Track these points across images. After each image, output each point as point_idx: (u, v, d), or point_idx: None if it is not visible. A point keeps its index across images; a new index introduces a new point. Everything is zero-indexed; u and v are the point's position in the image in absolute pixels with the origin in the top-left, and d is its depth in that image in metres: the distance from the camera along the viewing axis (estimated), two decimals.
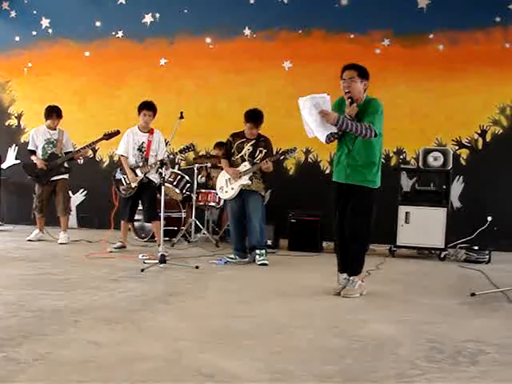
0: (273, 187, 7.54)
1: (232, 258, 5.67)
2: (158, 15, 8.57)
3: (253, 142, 5.74)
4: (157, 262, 5.04)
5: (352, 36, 7.85)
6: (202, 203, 7.13)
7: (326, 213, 6.67)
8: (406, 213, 6.48)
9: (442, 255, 6.46)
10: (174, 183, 7.07)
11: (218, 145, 7.41)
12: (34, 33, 8.97)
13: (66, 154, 6.86)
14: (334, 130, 4.05)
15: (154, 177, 6.14)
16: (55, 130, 6.87)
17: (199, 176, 7.34)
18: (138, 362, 2.47)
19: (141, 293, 3.97)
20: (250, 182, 5.65)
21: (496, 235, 7.19)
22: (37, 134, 6.84)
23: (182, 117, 5.55)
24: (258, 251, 5.63)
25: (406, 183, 7.33)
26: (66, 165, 6.87)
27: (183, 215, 7.18)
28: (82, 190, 8.72)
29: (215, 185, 6.17)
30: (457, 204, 7.50)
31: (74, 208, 8.35)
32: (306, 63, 7.88)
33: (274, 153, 5.87)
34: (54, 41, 8.87)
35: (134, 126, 6.22)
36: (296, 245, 6.79)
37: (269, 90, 7.94)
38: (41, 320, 3.13)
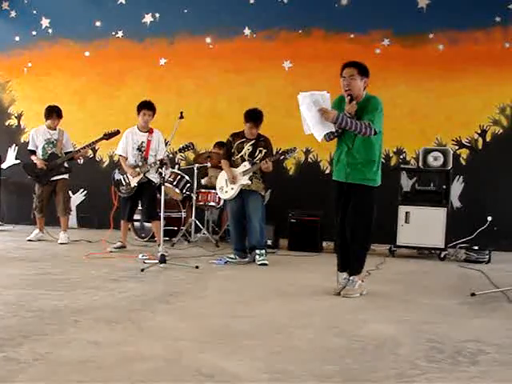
0: (273, 187, 7.54)
1: (232, 258, 5.67)
2: (157, 15, 8.57)
3: (253, 141, 5.74)
4: (157, 261, 5.04)
5: (352, 36, 7.85)
6: (201, 203, 7.13)
7: (326, 213, 6.69)
8: (406, 213, 6.48)
9: (442, 255, 6.46)
10: (174, 183, 7.07)
11: (218, 144, 7.41)
12: (34, 33, 8.97)
13: (66, 154, 6.87)
14: (333, 128, 4.04)
15: (153, 176, 6.14)
16: (55, 130, 6.87)
17: (203, 179, 7.37)
18: (138, 362, 2.47)
19: (141, 293, 3.97)
20: (250, 182, 5.65)
21: (496, 235, 7.19)
22: (37, 134, 6.84)
23: (181, 117, 5.55)
24: (257, 251, 5.63)
25: (406, 183, 7.33)
26: (66, 165, 6.87)
27: (183, 215, 7.18)
28: (81, 190, 8.73)
29: (214, 184, 6.17)
30: (457, 204, 7.50)
31: (74, 208, 8.35)
32: (305, 63, 7.88)
33: (274, 153, 5.87)
34: (54, 41, 8.87)
35: (134, 126, 6.22)
36: (296, 245, 6.79)
37: (269, 90, 7.94)
38: (41, 320, 3.13)
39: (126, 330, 3.02)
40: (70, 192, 7.25)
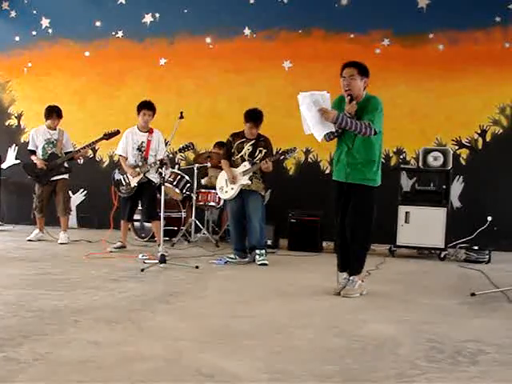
0: (273, 187, 7.54)
1: (232, 258, 5.67)
2: (157, 15, 8.57)
3: (252, 141, 5.74)
4: (157, 261, 5.05)
5: (352, 36, 7.85)
6: (201, 203, 7.13)
7: (326, 213, 6.69)
8: (406, 213, 6.48)
9: (442, 255, 6.46)
10: (174, 183, 7.07)
11: (218, 144, 7.41)
12: (34, 33, 8.97)
13: (66, 154, 6.87)
14: (333, 128, 4.04)
15: (153, 176, 6.14)
16: (55, 130, 6.87)
17: (202, 180, 7.36)
18: (138, 362, 2.48)
19: (141, 293, 3.98)
20: (250, 182, 5.65)
21: (496, 235, 7.19)
22: (37, 134, 6.84)
23: (181, 117, 5.55)
24: (257, 251, 5.63)
25: (406, 183, 7.33)
26: (66, 165, 6.88)
27: (183, 215, 7.18)
28: (81, 189, 8.73)
29: (214, 184, 6.17)
30: (457, 204, 7.51)
31: (74, 208, 8.35)
32: (305, 63, 7.88)
33: (274, 153, 5.87)
34: (54, 41, 8.87)
35: (134, 126, 6.22)
36: (296, 245, 6.79)
37: (269, 90, 7.94)
38: (41, 320, 3.13)
39: (126, 330, 3.02)
40: (70, 192, 7.25)
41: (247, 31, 8.24)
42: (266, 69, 8.07)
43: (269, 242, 6.56)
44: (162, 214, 5.31)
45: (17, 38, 9.04)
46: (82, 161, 8.20)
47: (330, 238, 6.80)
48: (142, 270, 4.80)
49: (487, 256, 6.29)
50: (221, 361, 2.53)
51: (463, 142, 7.59)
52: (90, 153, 8.31)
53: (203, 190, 7.17)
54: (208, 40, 8.38)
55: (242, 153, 5.73)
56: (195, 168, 7.13)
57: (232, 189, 5.71)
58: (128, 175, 6.11)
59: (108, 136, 6.59)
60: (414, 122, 7.62)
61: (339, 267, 4.29)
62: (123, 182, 6.16)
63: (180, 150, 5.91)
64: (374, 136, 4.02)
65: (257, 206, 5.64)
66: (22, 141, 8.87)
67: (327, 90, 4.04)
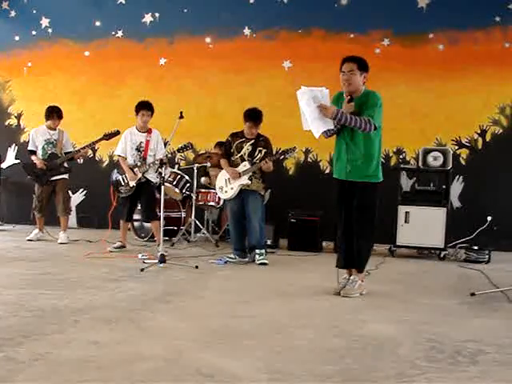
0: (273, 187, 7.53)
1: (232, 258, 5.67)
2: (157, 15, 8.57)
3: (252, 141, 5.74)
4: (156, 261, 5.05)
5: (352, 36, 7.85)
6: (201, 203, 7.13)
7: (326, 213, 6.70)
8: (406, 213, 6.48)
9: (442, 255, 6.46)
10: (174, 183, 7.07)
11: (219, 144, 7.41)
12: (34, 32, 8.96)
13: (66, 154, 6.87)
14: (331, 124, 4.03)
15: (152, 176, 6.14)
16: (55, 130, 6.87)
17: (202, 178, 7.36)
18: (138, 361, 2.48)
19: (141, 293, 3.98)
20: (250, 182, 5.65)
21: (496, 235, 7.18)
22: (37, 134, 6.84)
23: (181, 117, 5.55)
24: (257, 251, 5.63)
25: (406, 183, 7.33)
26: (65, 165, 6.87)
27: (183, 215, 7.18)
28: (81, 189, 8.72)
29: (213, 184, 6.17)
30: (457, 204, 7.50)
31: (73, 208, 8.35)
32: (305, 63, 7.88)
33: (274, 152, 5.87)
34: (54, 40, 8.86)
35: (132, 127, 6.22)
36: (296, 245, 6.79)
37: (269, 89, 7.94)
38: (41, 320, 3.13)
39: (126, 329, 3.02)
40: (69, 192, 7.25)
41: (247, 31, 8.24)
42: (266, 69, 8.06)
43: (269, 242, 6.56)
44: (161, 214, 5.31)
45: (17, 38, 9.04)
46: (81, 160, 8.20)
47: (329, 237, 6.81)
48: (142, 270, 4.80)
49: (487, 256, 6.29)
50: (221, 361, 2.53)
51: (463, 141, 7.59)
52: (89, 153, 8.31)
53: (203, 190, 7.17)
54: (208, 40, 8.38)
55: (242, 153, 5.73)
56: (195, 168, 7.13)
57: (232, 189, 5.71)
58: (127, 176, 6.11)
59: (108, 136, 6.59)
60: (413, 121, 7.62)
61: (341, 264, 4.27)
62: (122, 181, 6.16)
63: (179, 150, 5.92)
64: (373, 131, 4.01)
65: (256, 205, 5.64)
66: (22, 141, 8.87)
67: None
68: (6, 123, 9.11)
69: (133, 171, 6.06)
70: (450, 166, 6.64)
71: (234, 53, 8.17)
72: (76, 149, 7.09)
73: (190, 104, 7.87)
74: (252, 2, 8.21)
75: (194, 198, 7.05)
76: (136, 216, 6.79)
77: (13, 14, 9.10)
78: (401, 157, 7.74)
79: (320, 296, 4.12)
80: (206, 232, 7.19)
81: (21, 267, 4.88)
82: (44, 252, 5.91)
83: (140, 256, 5.62)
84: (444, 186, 6.70)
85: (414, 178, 7.46)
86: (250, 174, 5.65)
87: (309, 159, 8.02)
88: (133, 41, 8.61)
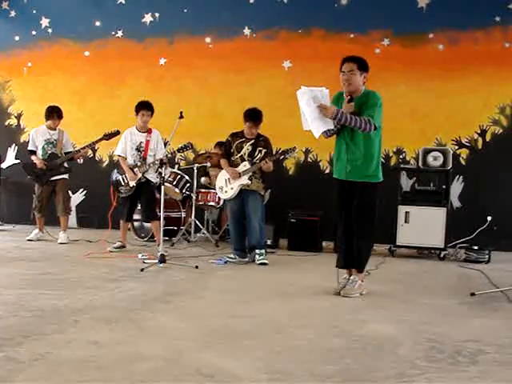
0: (273, 187, 7.53)
1: (232, 258, 5.67)
2: (157, 15, 8.57)
3: (252, 141, 5.74)
4: (156, 261, 5.05)
5: (352, 36, 7.85)
6: (201, 203, 7.13)
7: (326, 213, 6.69)
8: (406, 212, 6.48)
9: (442, 255, 6.46)
10: (174, 183, 7.07)
11: (219, 144, 7.41)
12: (34, 32, 8.96)
13: (66, 154, 6.87)
14: (332, 124, 4.02)
15: (152, 176, 6.14)
16: (55, 130, 6.87)
17: (202, 178, 7.35)
18: (138, 361, 2.47)
19: (141, 292, 3.98)
20: (250, 182, 5.65)
21: (496, 235, 7.18)
22: (37, 134, 6.84)
23: (181, 116, 5.55)
24: (257, 251, 5.63)
25: (406, 183, 7.33)
26: (65, 165, 6.87)
27: (183, 215, 7.19)
28: (81, 189, 8.72)
29: (214, 183, 6.17)
30: (456, 204, 7.50)
31: (73, 208, 8.35)
32: (305, 63, 7.87)
33: (274, 152, 5.87)
34: (54, 40, 8.86)
35: (132, 127, 6.22)
36: (296, 244, 6.78)
37: (269, 89, 7.94)
38: (41, 320, 3.13)
39: (126, 329, 3.02)
40: (69, 192, 7.25)
41: (247, 31, 8.24)
42: (266, 69, 8.06)
43: (268, 242, 6.56)
44: (161, 214, 5.31)
45: (16, 38, 9.04)
46: (81, 160, 8.20)
47: (329, 237, 6.81)
48: (142, 270, 4.80)
49: (487, 256, 6.29)
50: (221, 361, 2.53)
51: (463, 141, 7.59)
52: (89, 153, 8.31)
53: (203, 190, 7.17)
54: (208, 40, 8.38)
55: (242, 152, 5.73)
56: (195, 168, 7.13)
57: (232, 189, 5.71)
58: (127, 175, 6.11)
59: (108, 136, 6.59)
60: (413, 121, 7.62)
61: (341, 264, 4.27)
62: (122, 181, 6.16)
63: (179, 150, 5.93)
64: (373, 131, 4.01)
65: (256, 205, 5.64)
66: (22, 141, 8.87)
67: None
68: (6, 123, 9.11)
69: (133, 171, 6.06)
70: (450, 165, 6.64)
71: (234, 53, 8.17)
72: (76, 149, 7.09)
73: (189, 104, 7.87)
74: (252, 2, 8.21)
75: (194, 198, 7.05)
76: (136, 216, 6.79)
77: (13, 14, 9.10)
78: (401, 157, 7.74)
79: (320, 296, 4.12)
80: (205, 232, 7.19)
81: (21, 267, 4.88)
82: (44, 252, 5.91)
83: (140, 256, 5.62)
84: (444, 186, 6.70)
85: (414, 178, 7.46)
86: (250, 173, 5.65)
87: (309, 159, 8.02)
88: (133, 41, 8.61)
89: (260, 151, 5.72)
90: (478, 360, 2.69)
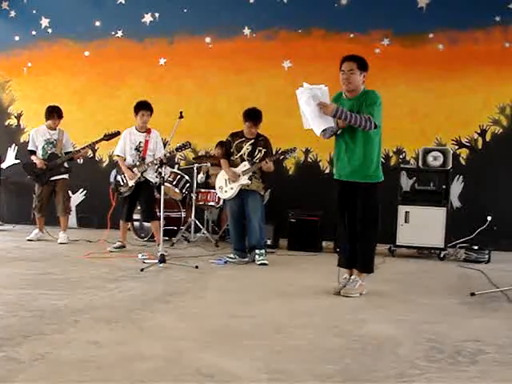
0: (273, 187, 7.54)
1: (232, 258, 5.67)
2: (157, 15, 8.57)
3: (252, 141, 5.74)
4: (156, 261, 5.04)
5: (352, 36, 7.85)
6: (201, 203, 7.13)
7: (326, 213, 6.69)
8: (406, 212, 6.48)
9: (442, 255, 6.46)
10: (174, 183, 7.07)
11: (220, 144, 7.40)
12: (34, 32, 8.97)
13: (66, 154, 6.87)
14: (332, 122, 4.02)
15: (151, 177, 6.14)
16: (55, 130, 6.87)
17: (199, 175, 7.33)
18: (138, 361, 2.47)
19: (141, 292, 3.97)
20: (250, 182, 5.65)
21: (496, 235, 7.19)
22: (37, 135, 6.84)
23: (181, 116, 5.55)
24: (257, 251, 5.62)
25: (406, 183, 7.33)
26: (65, 165, 6.87)
27: (183, 215, 7.19)
28: (81, 189, 8.72)
29: (214, 183, 6.17)
30: (456, 204, 7.51)
31: (73, 208, 8.35)
32: (305, 63, 7.87)
33: (274, 152, 5.87)
34: (54, 40, 8.87)
35: (132, 127, 6.22)
36: (296, 244, 6.78)
37: (269, 89, 7.94)
38: (41, 320, 3.13)
39: (126, 329, 3.02)
40: (69, 192, 7.25)
41: (247, 31, 8.24)
42: (266, 69, 8.07)
43: (268, 242, 6.55)
44: (161, 214, 5.31)
45: (16, 38, 9.04)
46: (81, 160, 8.21)
47: (329, 237, 6.81)
48: (142, 270, 4.80)
49: (487, 256, 6.29)
50: (221, 361, 2.53)
51: (463, 141, 7.59)
52: (89, 153, 8.32)
53: (203, 190, 7.17)
54: (208, 40, 8.38)
55: (242, 152, 5.73)
56: (195, 168, 7.13)
57: (231, 188, 5.71)
58: (126, 175, 6.11)
59: (108, 137, 6.59)
60: (413, 121, 7.62)
61: (344, 264, 4.27)
62: (122, 181, 6.17)
63: (177, 149, 5.93)
64: (373, 131, 4.00)
65: (256, 205, 5.64)
66: (22, 141, 8.87)
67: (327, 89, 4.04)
68: (6, 123, 9.11)
69: (131, 171, 6.06)
70: (450, 165, 6.64)
71: (234, 53, 8.18)
72: (76, 149, 7.09)
73: (189, 104, 7.87)
74: (252, 2, 8.21)
75: (194, 197, 7.05)
76: (136, 216, 6.79)
77: (13, 14, 9.10)
78: (401, 157, 7.74)
79: (320, 296, 4.12)
80: (205, 232, 7.19)
81: (21, 267, 4.88)
82: (44, 252, 5.91)
83: (140, 256, 5.62)
84: (444, 186, 6.70)
85: (414, 178, 7.47)
86: (250, 173, 5.65)
87: (309, 159, 8.02)
88: (133, 41, 8.61)
89: (260, 151, 5.72)
90: (477, 360, 2.69)
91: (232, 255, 5.70)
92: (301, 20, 8.00)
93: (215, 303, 3.81)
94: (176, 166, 8.07)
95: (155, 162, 5.92)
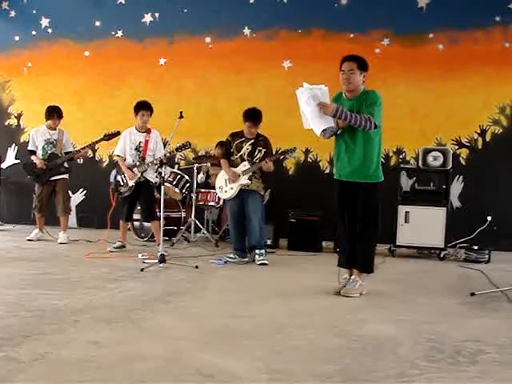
0: (273, 187, 7.54)
1: (232, 258, 5.67)
2: (157, 15, 8.57)
3: (252, 141, 5.74)
4: (156, 261, 5.04)
5: (352, 36, 7.85)
6: (201, 203, 7.13)
7: (326, 213, 6.69)
8: (406, 212, 6.48)
9: (442, 255, 6.46)
10: (174, 183, 7.07)
11: (220, 144, 7.40)
12: (34, 32, 8.97)
13: (66, 154, 6.87)
14: (332, 122, 4.02)
15: (151, 177, 6.14)
16: (55, 130, 6.87)
17: (199, 175, 7.33)
18: (138, 361, 2.47)
19: (140, 292, 3.97)
20: (250, 182, 5.65)
21: (496, 235, 7.19)
22: (37, 134, 6.84)
23: (181, 116, 5.55)
24: (257, 251, 5.62)
25: (406, 183, 7.33)
26: (65, 165, 6.88)
27: (183, 215, 7.19)
28: (81, 189, 8.72)
29: (214, 183, 6.17)
30: (456, 204, 7.51)
31: (73, 208, 8.35)
32: (305, 63, 7.87)
33: (274, 152, 5.87)
34: (54, 40, 8.87)
35: (132, 127, 6.22)
36: (296, 244, 6.79)
37: (269, 89, 7.94)
38: (41, 320, 3.13)
39: (126, 329, 3.02)
40: (69, 192, 7.25)
41: (247, 31, 8.24)
42: (266, 69, 8.07)
43: (268, 242, 6.56)
44: (161, 214, 5.31)
45: (16, 38, 9.04)
46: (81, 160, 8.21)
47: (329, 237, 6.81)
48: (142, 270, 4.80)
49: (487, 256, 6.29)
50: (221, 361, 2.53)
51: (463, 141, 7.60)
52: (89, 153, 8.32)
53: (203, 190, 7.17)
54: (208, 40, 8.38)
55: (242, 152, 5.73)
56: (195, 168, 7.13)
57: (231, 188, 5.71)
58: (126, 175, 6.12)
59: (108, 137, 6.59)
60: (413, 121, 7.62)
61: (345, 264, 4.27)
62: (121, 182, 6.17)
63: (177, 149, 5.93)
64: (373, 131, 4.00)
65: (256, 205, 5.64)
66: (22, 141, 8.87)
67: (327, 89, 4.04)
68: (6, 123, 9.11)
69: (131, 170, 6.07)
70: (450, 165, 6.64)
71: (234, 53, 8.18)
72: (76, 149, 7.09)
73: (189, 104, 7.87)
74: (252, 2, 8.21)
75: (194, 197, 7.06)
76: (136, 216, 6.79)
77: (13, 14, 9.10)
78: (401, 157, 7.74)
79: (320, 296, 4.12)
80: (205, 232, 7.19)
81: (21, 267, 4.88)
82: (44, 252, 5.91)
83: (140, 256, 5.62)
84: (444, 186, 6.70)
85: (414, 178, 7.47)
86: (250, 173, 5.65)
87: (309, 159, 8.02)
88: (133, 41, 8.61)
89: (260, 151, 5.72)
90: (477, 360, 2.69)
91: (232, 255, 5.70)
92: (301, 20, 8.00)
93: (215, 303, 3.81)
94: (176, 166, 8.07)
95: (155, 161, 5.93)
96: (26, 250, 6.01)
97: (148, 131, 6.15)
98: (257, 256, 5.62)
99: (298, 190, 7.71)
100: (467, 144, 7.59)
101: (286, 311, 3.63)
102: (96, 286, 4.11)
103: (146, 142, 6.11)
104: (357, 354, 2.72)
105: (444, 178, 6.78)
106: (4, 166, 8.71)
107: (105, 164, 8.71)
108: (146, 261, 5.31)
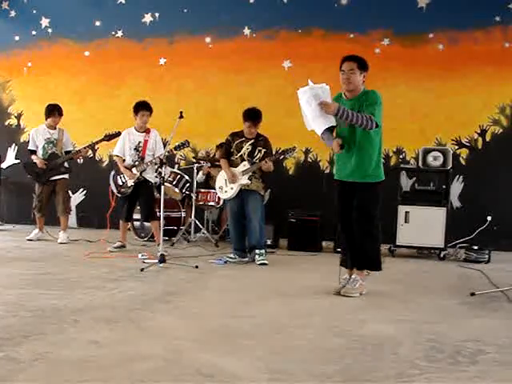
0: (272, 187, 7.54)
1: (232, 258, 5.67)
2: (157, 15, 8.57)
3: (252, 141, 5.74)
4: (156, 261, 5.04)
5: (352, 36, 7.85)
6: (201, 203, 7.13)
7: (326, 213, 6.69)
8: (406, 212, 6.48)
9: (442, 255, 6.46)
10: (174, 183, 7.07)
11: (220, 146, 7.40)
12: (34, 32, 8.97)
13: (66, 153, 6.87)
14: (334, 122, 4.01)
15: (150, 176, 6.14)
16: (55, 129, 6.87)
17: (198, 175, 7.34)
18: (138, 361, 2.47)
19: (140, 292, 3.97)
20: (250, 182, 5.65)
21: (496, 235, 7.19)
22: (37, 134, 6.84)
23: (181, 116, 5.54)
24: (257, 251, 5.62)
25: (406, 183, 7.34)
26: (66, 165, 6.88)
27: (183, 215, 7.19)
28: (81, 189, 8.72)
29: (215, 183, 6.17)
30: (456, 204, 7.51)
31: (73, 208, 8.35)
32: (305, 63, 7.87)
33: (274, 152, 5.87)
34: (54, 40, 8.87)
35: (131, 127, 6.22)
36: (296, 244, 6.79)
37: (269, 89, 7.94)
38: (41, 319, 3.13)
39: (126, 329, 3.02)
40: (69, 192, 7.25)
41: (247, 31, 8.24)
42: (266, 69, 8.07)
43: (268, 242, 6.56)
44: (161, 214, 5.31)
45: (16, 38, 9.04)
46: (81, 160, 8.21)
47: (329, 237, 6.81)
48: (142, 270, 4.80)
49: (487, 256, 6.29)
50: (221, 361, 2.53)
51: (463, 141, 7.60)
52: (89, 153, 8.31)
53: (203, 190, 7.17)
54: (208, 40, 8.38)
55: (241, 152, 5.73)
56: (195, 168, 7.13)
57: (231, 188, 5.71)
58: (125, 175, 6.12)
59: (108, 137, 6.59)
60: (413, 121, 7.62)
61: (347, 264, 4.27)
62: (120, 182, 6.17)
63: (176, 148, 5.93)
64: (373, 130, 4.00)
65: (256, 205, 5.64)
66: (22, 141, 8.88)
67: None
68: (6, 123, 9.11)
69: (130, 170, 6.07)
70: (450, 165, 6.64)
71: (234, 53, 8.18)
72: (76, 149, 7.09)
73: (189, 104, 7.87)
74: (252, 2, 8.21)
75: (194, 197, 7.06)
76: (136, 216, 6.79)
77: (13, 14, 9.10)
78: (401, 157, 7.74)
79: (320, 296, 4.12)
80: (205, 232, 7.19)
81: (21, 267, 4.88)
82: (44, 252, 5.91)
83: (140, 256, 5.62)
84: (444, 186, 6.70)
85: (414, 178, 7.47)
86: (250, 173, 5.65)
87: (309, 159, 8.02)
88: (133, 41, 8.61)
89: (259, 151, 5.72)
90: (477, 360, 2.68)
91: (232, 255, 5.70)
92: (301, 20, 8.00)
93: (215, 303, 3.81)
94: (176, 166, 8.08)
95: (155, 161, 5.93)
96: (26, 250, 6.01)
97: (147, 131, 6.16)
98: (257, 256, 5.62)
99: (298, 190, 7.71)
100: (467, 144, 7.59)
101: (285, 311, 3.63)
102: (96, 286, 4.11)
103: (145, 141, 6.12)
104: (357, 354, 2.72)
105: (444, 178, 6.78)
106: (4, 165, 8.71)
107: (105, 164, 8.71)
108: (145, 261, 5.31)
